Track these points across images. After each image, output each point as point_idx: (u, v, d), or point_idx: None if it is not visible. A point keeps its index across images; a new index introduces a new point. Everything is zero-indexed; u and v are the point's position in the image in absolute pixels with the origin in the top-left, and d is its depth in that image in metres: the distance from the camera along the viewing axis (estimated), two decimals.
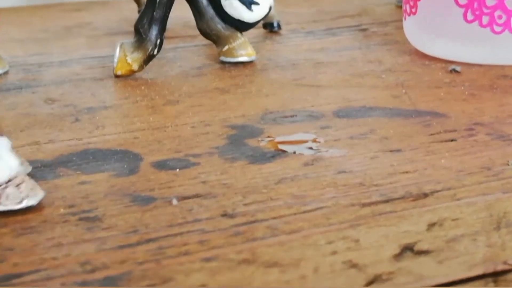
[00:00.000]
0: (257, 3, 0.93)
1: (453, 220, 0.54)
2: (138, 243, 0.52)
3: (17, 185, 0.57)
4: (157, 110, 0.78)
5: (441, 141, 0.68)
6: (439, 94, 0.81)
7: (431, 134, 0.70)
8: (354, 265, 0.50)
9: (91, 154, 0.67)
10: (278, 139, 0.70)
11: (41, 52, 1.03)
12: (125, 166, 0.65)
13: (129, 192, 0.60)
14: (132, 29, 0.92)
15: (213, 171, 0.63)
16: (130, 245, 0.52)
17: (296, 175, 0.62)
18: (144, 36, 0.89)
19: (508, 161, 0.64)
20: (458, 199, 0.57)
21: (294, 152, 0.67)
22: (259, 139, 0.70)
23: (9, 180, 0.57)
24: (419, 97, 0.80)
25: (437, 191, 0.58)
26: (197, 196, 0.59)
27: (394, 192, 0.58)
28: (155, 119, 0.76)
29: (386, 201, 0.57)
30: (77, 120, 0.76)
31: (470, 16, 0.90)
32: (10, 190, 0.57)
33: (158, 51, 0.90)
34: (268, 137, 0.70)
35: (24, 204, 0.57)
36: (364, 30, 1.11)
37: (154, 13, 0.89)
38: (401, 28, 1.03)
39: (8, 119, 0.77)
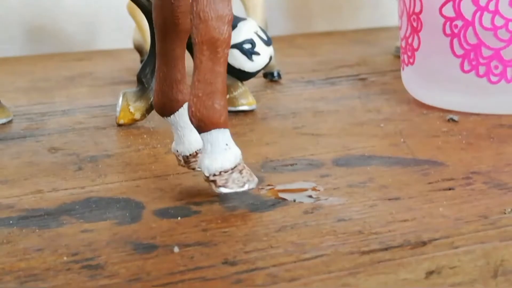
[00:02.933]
0: (257, 53, 0.95)
1: (451, 268, 0.55)
2: None
3: (240, 171, 0.64)
4: (159, 159, 0.79)
5: (439, 190, 0.69)
6: (437, 143, 0.82)
7: (429, 183, 0.71)
8: None
9: (94, 203, 0.68)
10: (278, 187, 0.71)
11: (44, 101, 1.04)
12: (127, 214, 0.65)
13: (131, 240, 0.60)
14: (135, 78, 0.93)
15: (214, 219, 0.64)
16: None
17: (296, 223, 0.63)
18: (146, 85, 0.90)
19: (505, 209, 0.64)
20: (456, 247, 0.58)
21: (294, 200, 0.67)
22: (260, 187, 0.71)
23: (235, 166, 0.64)
24: (417, 146, 0.81)
25: (435, 239, 0.59)
26: (198, 244, 0.59)
27: (393, 240, 0.59)
28: (157, 167, 0.77)
29: (385, 249, 0.58)
30: (80, 168, 0.77)
31: (467, 66, 0.92)
32: (236, 175, 0.64)
33: None
34: (269, 185, 0.71)
35: (246, 187, 0.64)
36: (363, 79, 1.12)
37: None
38: (399, 77, 1.04)
39: (12, 167, 0.78)
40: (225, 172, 0.64)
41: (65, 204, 0.68)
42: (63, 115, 0.97)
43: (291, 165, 0.77)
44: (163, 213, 0.65)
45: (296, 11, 1.56)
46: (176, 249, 0.58)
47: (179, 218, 0.64)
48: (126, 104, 0.91)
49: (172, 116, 0.69)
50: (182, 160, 0.71)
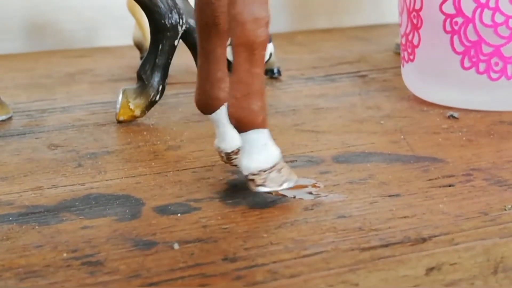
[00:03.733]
0: None
1: (451, 264, 0.55)
2: (140, 287, 0.52)
3: (279, 170, 0.64)
4: (159, 155, 0.79)
5: (439, 186, 0.69)
6: (437, 140, 0.82)
7: (430, 180, 0.71)
8: None
9: (94, 199, 0.68)
10: None
11: (44, 98, 1.04)
12: (127, 211, 0.65)
13: (131, 236, 0.60)
14: (135, 75, 0.93)
15: (214, 216, 0.64)
16: None
17: (296, 219, 0.63)
18: (146, 82, 0.90)
19: (505, 206, 0.64)
20: (456, 244, 0.58)
21: (294, 197, 0.67)
22: None
23: (273, 166, 0.64)
24: (417, 143, 0.81)
25: (436, 236, 0.59)
26: (198, 240, 0.59)
27: (393, 237, 0.59)
28: (157, 164, 0.77)
29: (385, 246, 0.58)
30: (79, 165, 0.77)
31: (467, 63, 0.91)
32: (274, 174, 0.64)
33: (160, 97, 0.91)
34: None
35: (284, 186, 0.64)
36: (363, 76, 1.12)
37: (157, 60, 0.90)
38: (399, 74, 1.04)
39: (11, 164, 0.78)
40: (264, 171, 0.64)
41: (65, 201, 0.68)
42: (63, 112, 0.97)
43: (291, 161, 0.76)
44: (163, 210, 0.65)
45: (296, 8, 1.56)
46: (176, 246, 0.58)
47: (179, 214, 0.64)
48: (126, 101, 0.91)
49: (214, 114, 0.69)
50: (225, 157, 0.71)
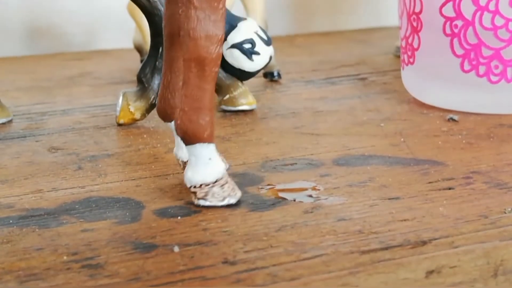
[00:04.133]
0: (257, 53, 0.95)
1: (451, 267, 0.55)
2: None
3: (222, 186, 0.66)
4: (159, 158, 0.79)
5: (439, 189, 0.69)
6: (437, 142, 0.82)
7: (429, 182, 0.71)
8: None
9: (94, 202, 0.68)
10: (278, 187, 0.71)
11: (44, 101, 1.04)
12: (127, 213, 0.65)
13: (131, 239, 0.60)
14: (135, 78, 0.93)
15: (214, 219, 0.64)
16: None
17: (296, 222, 0.63)
18: (146, 85, 0.91)
19: (505, 209, 0.64)
20: (456, 247, 0.58)
21: (294, 200, 0.67)
22: (260, 186, 0.71)
23: (216, 181, 0.65)
24: (417, 146, 0.81)
25: (435, 239, 0.59)
26: (198, 243, 0.59)
27: (393, 240, 0.59)
28: (157, 167, 0.77)
29: (385, 249, 0.58)
30: (80, 168, 0.77)
31: (467, 66, 0.92)
32: (216, 189, 0.65)
33: None
34: (269, 185, 0.71)
35: (226, 201, 0.66)
36: (363, 79, 1.13)
37: (157, 62, 0.90)
38: (399, 77, 1.04)
39: (12, 167, 0.78)
40: (206, 185, 0.65)
41: (65, 204, 0.68)
42: (63, 114, 0.97)
43: (291, 164, 0.77)
44: (163, 213, 0.65)
45: (296, 11, 1.56)
46: (176, 249, 0.58)
47: (179, 217, 0.64)
48: (126, 103, 0.91)
49: (173, 122, 0.69)
50: (182, 165, 0.72)
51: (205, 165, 0.65)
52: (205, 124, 0.65)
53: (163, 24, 0.68)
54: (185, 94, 0.64)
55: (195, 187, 0.66)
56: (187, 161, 0.69)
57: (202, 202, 0.66)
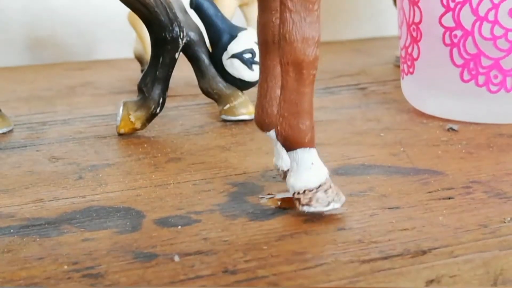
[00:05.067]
0: (257, 63, 0.95)
1: (450, 277, 0.55)
2: None
3: (325, 190, 0.64)
4: (159, 168, 0.80)
5: (439, 199, 0.69)
6: (436, 152, 0.82)
7: (429, 192, 0.71)
8: None
9: (94, 212, 0.68)
10: (278, 196, 0.71)
11: (45, 110, 1.04)
12: (128, 223, 0.66)
13: (131, 249, 0.60)
14: (135, 88, 0.93)
15: (214, 228, 0.64)
16: None
17: (296, 232, 0.63)
18: (147, 95, 0.91)
19: (505, 218, 0.65)
20: (455, 256, 0.58)
21: (294, 209, 0.67)
22: (260, 196, 0.71)
23: (320, 186, 0.64)
24: (417, 155, 0.81)
25: (435, 248, 0.59)
26: (198, 252, 0.59)
27: (393, 249, 0.59)
28: (158, 176, 0.77)
29: (385, 258, 0.58)
30: (80, 177, 0.77)
31: (466, 76, 0.92)
32: (320, 194, 0.64)
33: (160, 110, 0.92)
34: (269, 194, 0.71)
35: (331, 206, 0.64)
36: (363, 89, 1.13)
37: (157, 72, 0.91)
38: (399, 87, 1.04)
39: (12, 177, 0.78)
40: (310, 191, 0.64)
41: (66, 213, 0.68)
42: (64, 124, 0.97)
43: None
44: (163, 222, 0.66)
45: None
46: (176, 258, 0.58)
47: (179, 226, 0.64)
48: (126, 113, 0.91)
49: (271, 131, 0.70)
50: (282, 174, 0.72)
51: (308, 170, 0.64)
52: (305, 128, 0.63)
53: (257, 32, 0.69)
54: (283, 99, 0.63)
55: (298, 193, 0.64)
56: (287, 170, 0.69)
57: (306, 208, 0.64)
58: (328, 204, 0.64)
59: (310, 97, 0.64)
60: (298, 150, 0.64)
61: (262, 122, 0.70)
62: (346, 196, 0.70)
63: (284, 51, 0.62)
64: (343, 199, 0.65)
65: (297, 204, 0.64)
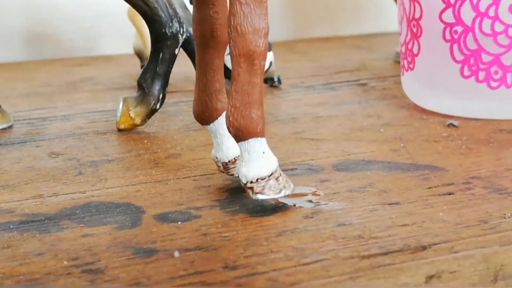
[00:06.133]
0: None
1: (451, 272, 0.55)
2: None
3: (276, 178, 0.66)
4: (159, 164, 0.79)
5: (439, 195, 0.69)
6: (437, 148, 0.82)
7: (429, 188, 0.71)
8: None
9: (94, 207, 0.68)
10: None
11: (45, 106, 1.04)
12: (128, 218, 0.66)
13: (131, 244, 0.60)
14: (135, 84, 0.93)
15: (214, 224, 0.64)
16: None
17: (296, 227, 0.63)
18: (147, 91, 0.91)
19: (505, 214, 0.64)
20: (455, 252, 0.58)
21: (294, 205, 0.67)
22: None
23: (271, 174, 0.65)
24: (417, 151, 0.81)
25: (435, 244, 0.59)
26: (198, 248, 0.59)
27: (393, 245, 0.59)
28: (157, 172, 0.77)
29: (385, 254, 0.58)
30: (80, 173, 0.77)
31: (466, 72, 0.92)
32: (272, 182, 0.65)
33: (160, 106, 0.92)
34: None
35: (282, 193, 0.66)
36: (363, 85, 1.13)
37: (157, 68, 0.91)
38: (399, 83, 1.04)
39: (12, 172, 0.78)
40: (262, 179, 0.65)
41: (66, 209, 0.68)
42: (64, 120, 0.97)
43: (291, 169, 0.77)
44: (163, 218, 0.65)
45: (296, 17, 1.56)
46: (176, 254, 0.58)
47: (179, 222, 0.64)
48: (126, 109, 0.91)
49: (211, 124, 0.70)
50: (222, 167, 0.72)
51: (259, 160, 0.65)
52: (257, 118, 0.64)
53: (193, 29, 0.69)
54: (235, 90, 0.64)
55: (251, 182, 0.65)
56: (228, 161, 0.70)
57: (260, 196, 0.65)
58: (280, 191, 0.66)
59: (260, 87, 0.65)
60: (250, 140, 0.65)
61: (201, 116, 0.70)
62: (346, 192, 0.70)
63: (235, 43, 0.63)
64: (292, 186, 0.67)
65: (250, 193, 0.65)
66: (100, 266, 0.57)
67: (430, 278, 0.54)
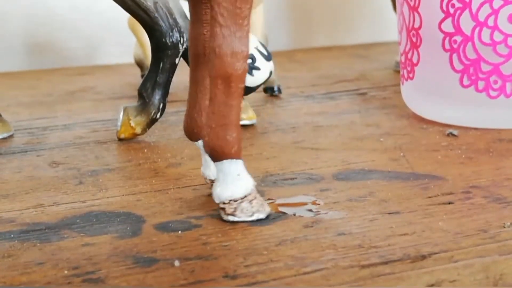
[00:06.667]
0: (258, 68, 0.95)
1: (450, 282, 0.55)
2: None
3: (250, 201, 0.66)
4: (159, 173, 0.80)
5: (439, 204, 0.69)
6: (436, 157, 0.83)
7: (429, 197, 0.71)
8: None
9: (95, 217, 0.68)
10: (278, 201, 0.71)
11: (45, 115, 1.05)
12: (128, 228, 0.66)
13: (131, 253, 0.60)
14: (136, 93, 0.93)
15: (214, 233, 0.64)
16: None
17: (296, 237, 0.63)
18: (147, 100, 0.91)
19: (504, 223, 0.65)
20: (455, 261, 0.58)
21: (294, 214, 0.68)
22: None
23: (245, 196, 0.66)
24: (417, 160, 0.82)
25: (435, 253, 0.59)
26: (198, 257, 0.59)
27: (393, 254, 0.59)
28: (158, 181, 0.77)
29: (385, 263, 0.58)
30: (81, 183, 0.77)
31: (466, 81, 0.92)
32: (245, 205, 0.65)
33: (161, 115, 0.92)
34: (269, 199, 0.71)
35: (255, 217, 0.66)
36: (363, 94, 1.13)
37: (158, 78, 0.91)
38: (399, 92, 1.05)
39: (13, 182, 0.78)
40: (234, 201, 0.65)
41: (66, 218, 0.68)
42: (64, 129, 0.97)
43: (291, 179, 0.77)
44: (163, 227, 0.66)
45: (296, 26, 1.57)
46: (176, 263, 0.58)
47: (179, 232, 0.65)
48: (127, 118, 0.91)
49: (200, 141, 0.70)
50: (210, 183, 0.72)
51: (234, 181, 0.65)
52: (232, 140, 0.65)
53: (188, 45, 0.69)
54: (212, 111, 0.64)
55: (224, 203, 0.66)
56: (215, 179, 0.70)
57: (231, 218, 0.65)
58: (252, 214, 0.66)
59: (237, 110, 0.65)
60: (225, 161, 0.65)
61: (190, 132, 0.71)
62: (346, 202, 0.70)
63: (213, 65, 0.63)
64: (267, 210, 0.67)
65: (222, 213, 0.66)
66: (100, 275, 0.57)
67: (430, 287, 0.54)
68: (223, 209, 0.66)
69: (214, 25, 0.63)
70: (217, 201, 0.66)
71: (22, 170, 0.82)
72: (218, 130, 0.64)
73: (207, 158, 0.71)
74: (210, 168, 0.71)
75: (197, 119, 0.70)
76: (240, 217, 0.65)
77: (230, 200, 0.65)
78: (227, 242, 0.62)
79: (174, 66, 0.91)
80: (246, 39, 0.63)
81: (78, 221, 0.67)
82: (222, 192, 0.65)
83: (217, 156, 0.65)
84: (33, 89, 1.21)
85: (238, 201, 0.65)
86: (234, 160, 0.65)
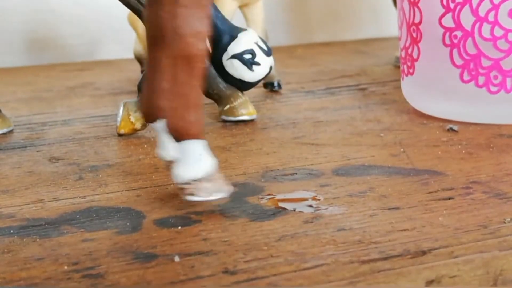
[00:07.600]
0: (258, 63, 0.95)
1: (450, 277, 0.55)
2: None
3: (211, 180, 0.66)
4: (159, 168, 0.80)
5: (439, 199, 0.69)
6: (436, 152, 0.82)
7: (429, 192, 0.71)
8: None
9: (94, 212, 0.68)
10: (278, 197, 0.71)
11: (45, 111, 1.04)
12: (128, 223, 0.66)
13: (131, 249, 0.60)
14: (135, 88, 0.93)
15: (214, 229, 0.64)
16: None
17: (296, 232, 0.63)
18: None
19: (505, 219, 0.65)
20: (455, 257, 0.58)
21: (294, 210, 0.67)
22: (260, 197, 0.71)
23: (206, 176, 0.66)
24: (417, 156, 0.81)
25: (435, 249, 0.59)
26: (198, 253, 0.59)
27: (393, 250, 0.59)
28: (158, 177, 0.77)
29: (385, 259, 0.58)
30: (80, 178, 0.77)
31: (466, 77, 0.92)
32: (205, 184, 0.66)
33: None
34: (269, 195, 0.71)
35: (213, 196, 0.66)
36: (363, 89, 1.13)
37: None
38: (399, 87, 1.04)
39: (13, 177, 0.78)
40: (195, 181, 0.66)
41: (66, 214, 0.68)
42: (64, 125, 0.97)
43: (291, 174, 0.77)
44: (163, 223, 0.66)
45: (296, 22, 1.57)
46: (176, 258, 0.58)
47: (179, 227, 0.64)
48: (126, 114, 0.91)
49: (156, 122, 0.70)
50: (164, 164, 0.72)
51: (195, 161, 0.65)
52: (194, 120, 0.65)
53: (145, 26, 0.69)
54: (173, 92, 0.64)
55: (184, 183, 0.66)
56: (172, 160, 0.70)
57: (190, 198, 0.66)
58: (212, 193, 0.66)
59: (199, 90, 0.65)
60: (186, 142, 0.66)
61: (148, 113, 0.70)
62: (346, 197, 0.70)
63: (175, 45, 0.63)
64: (227, 189, 0.67)
65: (182, 193, 0.66)
66: (100, 271, 0.57)
67: (430, 283, 0.54)
68: (183, 189, 0.66)
69: (175, 5, 0.62)
70: (177, 181, 0.66)
71: (21, 166, 0.82)
72: (181, 111, 0.65)
73: (162, 140, 0.71)
74: (167, 150, 0.70)
75: (154, 101, 0.68)
76: (200, 196, 0.65)
77: (191, 180, 0.65)
78: (227, 238, 0.62)
79: None
80: (206, 19, 0.63)
81: (77, 216, 0.67)
82: (184, 173, 0.65)
83: (179, 136, 0.66)
84: (33, 85, 1.21)
85: (198, 181, 0.65)
86: (196, 140, 0.66)
